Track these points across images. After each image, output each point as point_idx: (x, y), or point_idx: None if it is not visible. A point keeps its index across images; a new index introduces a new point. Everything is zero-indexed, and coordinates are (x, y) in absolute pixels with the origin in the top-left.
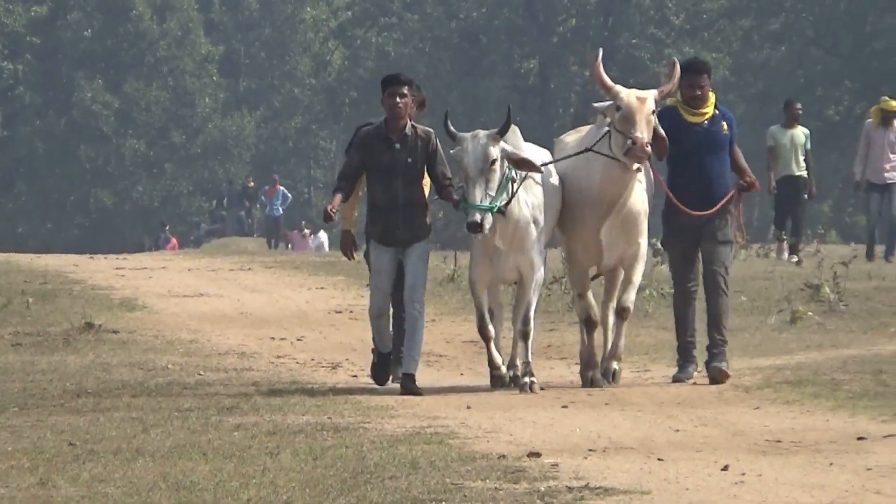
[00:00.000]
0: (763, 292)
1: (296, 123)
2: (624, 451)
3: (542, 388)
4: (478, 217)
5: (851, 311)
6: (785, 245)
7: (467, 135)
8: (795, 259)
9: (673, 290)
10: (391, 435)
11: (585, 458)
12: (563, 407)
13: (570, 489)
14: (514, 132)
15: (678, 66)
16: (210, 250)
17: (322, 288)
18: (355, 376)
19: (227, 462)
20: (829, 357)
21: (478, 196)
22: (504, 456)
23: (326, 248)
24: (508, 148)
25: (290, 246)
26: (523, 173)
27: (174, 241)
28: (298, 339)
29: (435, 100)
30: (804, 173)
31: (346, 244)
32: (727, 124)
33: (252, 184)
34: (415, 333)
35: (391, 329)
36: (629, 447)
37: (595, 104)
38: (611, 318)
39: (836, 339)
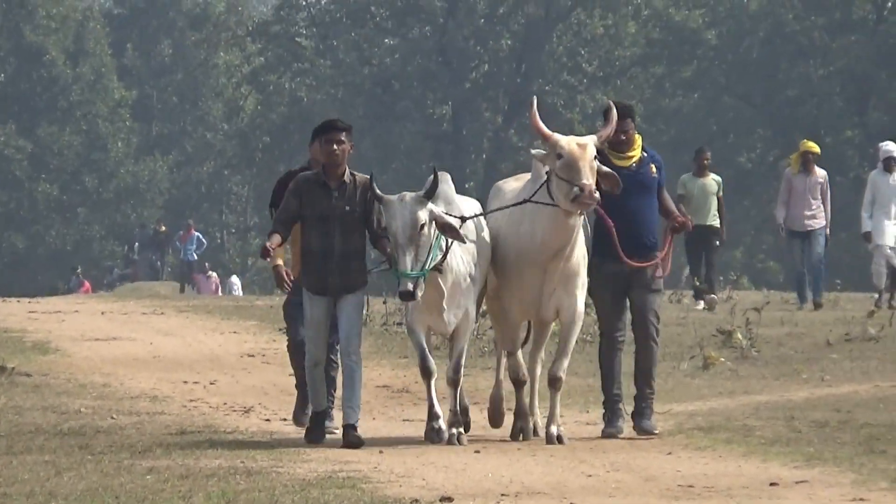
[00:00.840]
0: (676, 338)
1: (208, 168)
2: (536, 496)
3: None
4: (409, 286)
5: (763, 357)
6: (714, 297)
7: (394, 198)
8: (708, 305)
9: (599, 341)
10: (304, 479)
11: (498, 502)
12: (475, 452)
13: None
14: (446, 181)
15: (615, 110)
16: (122, 294)
17: (235, 332)
18: (268, 420)
19: None
20: (741, 403)
21: (408, 264)
22: (417, 500)
23: (239, 292)
24: (436, 210)
25: (195, 288)
26: (459, 227)
27: (87, 284)
28: (211, 383)
29: None
30: (716, 222)
31: (278, 278)
32: (656, 167)
33: (164, 228)
34: (353, 384)
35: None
36: (541, 492)
37: (533, 150)
38: (538, 369)
39: (749, 385)
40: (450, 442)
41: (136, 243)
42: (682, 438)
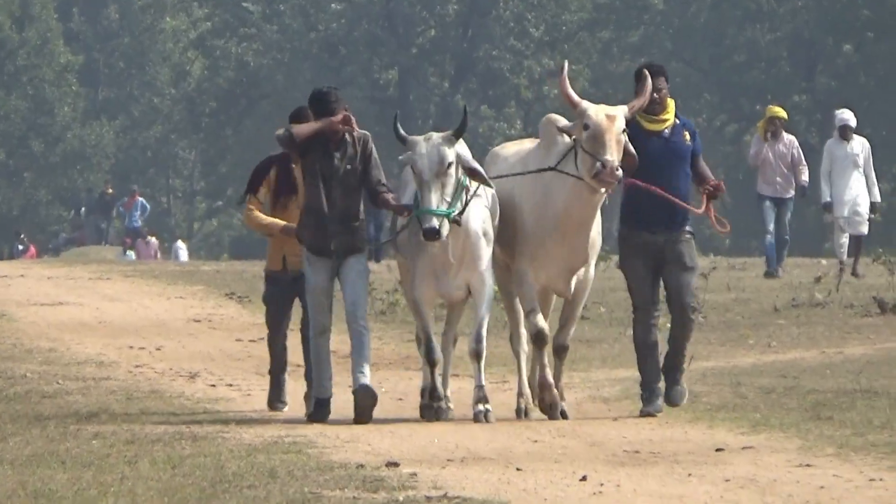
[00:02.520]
0: (622, 304)
1: (155, 133)
2: (482, 462)
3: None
4: (435, 223)
5: (710, 323)
6: None
7: (420, 138)
8: None
9: (633, 320)
10: (249, 444)
11: (444, 467)
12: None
13: (428, 499)
14: (462, 145)
15: (649, 80)
16: (69, 259)
17: (181, 297)
18: (214, 386)
19: (86, 470)
20: (687, 369)
21: (434, 201)
22: (362, 465)
23: (185, 257)
24: (463, 153)
25: (136, 253)
26: (473, 184)
27: (33, 249)
28: (157, 349)
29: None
30: None
31: (288, 231)
32: (690, 135)
33: (111, 190)
34: (363, 348)
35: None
36: (487, 457)
37: (559, 124)
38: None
39: (695, 351)
40: (477, 419)
41: (83, 208)
42: (629, 404)
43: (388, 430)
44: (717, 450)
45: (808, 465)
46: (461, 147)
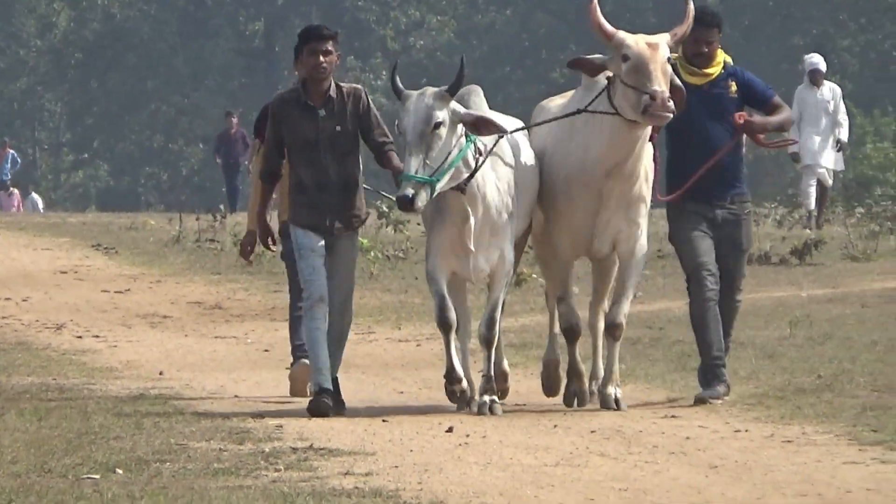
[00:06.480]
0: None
1: (21, 85)
2: (348, 413)
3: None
4: (409, 191)
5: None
6: None
7: (414, 92)
8: None
9: (689, 297)
10: (116, 396)
11: (309, 419)
12: (286, 368)
13: (294, 450)
14: (478, 94)
15: (692, 3)
16: None
17: (47, 249)
18: (80, 337)
19: None
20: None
21: (413, 165)
22: (228, 417)
23: (41, 209)
24: (461, 109)
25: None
26: (489, 144)
27: None
28: (23, 300)
29: (159, 62)
30: None
31: (246, 242)
32: (736, 83)
33: None
34: (340, 347)
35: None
36: (353, 408)
37: (589, 58)
38: (601, 323)
39: None
40: (481, 412)
41: None
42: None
43: (254, 382)
44: None
45: (673, 417)
46: (479, 100)
